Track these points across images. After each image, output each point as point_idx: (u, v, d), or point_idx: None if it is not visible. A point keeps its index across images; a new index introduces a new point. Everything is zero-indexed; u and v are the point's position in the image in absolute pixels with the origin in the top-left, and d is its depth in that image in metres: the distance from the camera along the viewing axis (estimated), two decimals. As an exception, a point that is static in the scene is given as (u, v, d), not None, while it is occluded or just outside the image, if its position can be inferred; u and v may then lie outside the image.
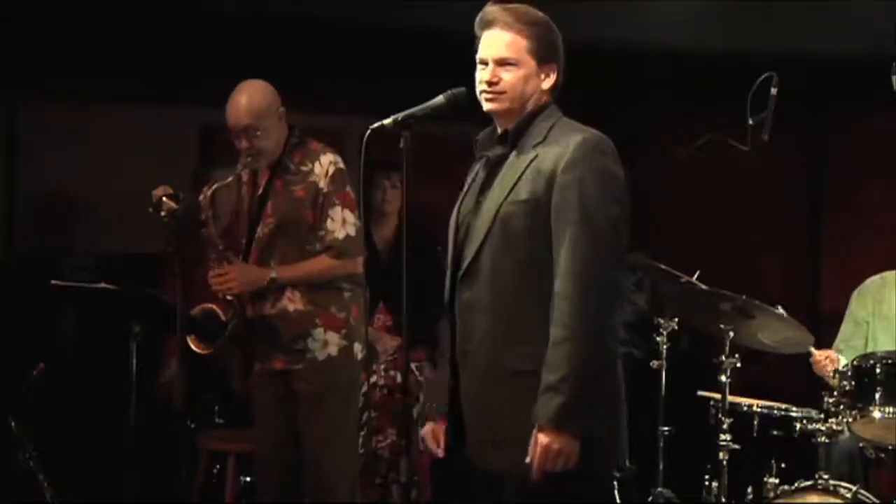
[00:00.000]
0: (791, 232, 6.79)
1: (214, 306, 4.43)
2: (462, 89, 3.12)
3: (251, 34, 5.58)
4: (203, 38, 5.68)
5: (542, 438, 2.89)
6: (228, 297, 4.35)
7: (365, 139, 3.13)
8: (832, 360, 4.83)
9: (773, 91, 4.17)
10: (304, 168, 4.35)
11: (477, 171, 3.20)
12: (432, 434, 3.22)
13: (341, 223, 4.31)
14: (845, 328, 5.16)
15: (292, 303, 4.33)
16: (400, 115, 3.10)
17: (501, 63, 3.06)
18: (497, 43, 3.07)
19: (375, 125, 3.11)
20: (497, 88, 3.07)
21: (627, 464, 5.10)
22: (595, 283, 2.90)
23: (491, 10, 3.09)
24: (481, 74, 3.09)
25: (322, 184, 4.31)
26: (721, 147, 4.25)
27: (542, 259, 2.97)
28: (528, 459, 2.91)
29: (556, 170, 2.98)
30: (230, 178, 4.36)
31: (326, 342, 4.33)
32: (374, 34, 5.65)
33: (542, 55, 3.07)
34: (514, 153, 3.09)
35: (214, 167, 5.55)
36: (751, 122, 4.19)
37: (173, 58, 5.81)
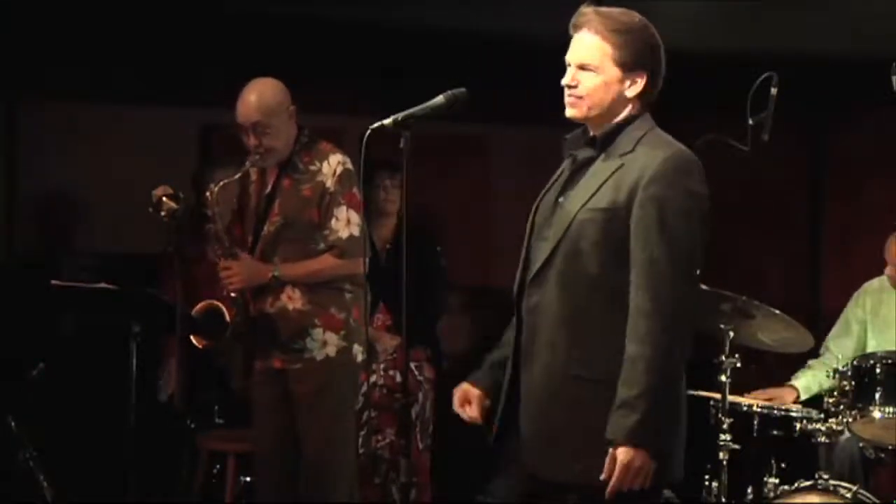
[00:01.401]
0: (791, 232, 6.78)
1: (218, 303, 4.43)
2: (462, 89, 3.12)
3: (251, 34, 5.58)
4: (203, 37, 5.68)
5: (621, 455, 2.86)
6: (232, 294, 4.36)
7: (365, 139, 3.13)
8: (782, 397, 4.86)
9: (773, 91, 4.17)
10: (312, 167, 4.35)
11: (563, 169, 3.15)
12: (464, 394, 3.20)
13: (346, 223, 4.31)
14: (836, 327, 5.17)
15: (291, 301, 4.33)
16: (400, 115, 3.09)
17: (582, 67, 3.02)
18: (581, 46, 3.02)
19: (375, 125, 3.10)
20: (575, 92, 3.03)
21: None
22: (673, 302, 2.88)
23: (585, 11, 3.04)
24: (564, 78, 3.06)
25: (329, 183, 4.32)
26: (721, 147, 4.24)
27: (614, 270, 2.94)
28: (603, 476, 2.88)
29: (639, 184, 2.94)
30: (237, 175, 4.37)
31: (325, 342, 4.33)
32: (374, 34, 5.65)
33: (628, 63, 3.00)
34: (600, 158, 3.05)
35: (214, 167, 5.56)
36: (751, 122, 4.18)
37: (173, 58, 5.81)
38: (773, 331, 4.64)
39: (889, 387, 4.46)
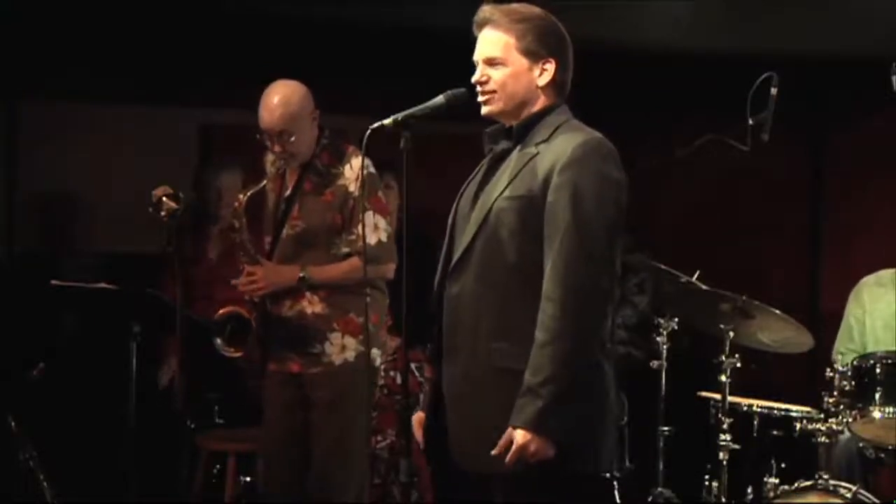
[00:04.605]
0: (791, 232, 6.78)
1: (238, 308, 4.40)
2: (462, 89, 3.12)
3: (251, 34, 5.57)
4: (203, 37, 5.68)
5: (518, 437, 2.87)
6: (255, 300, 4.32)
7: (365, 139, 3.13)
8: None
9: (773, 91, 4.17)
10: (333, 170, 4.31)
11: (481, 164, 3.18)
12: (419, 422, 3.22)
13: (373, 229, 4.26)
14: (841, 332, 5.16)
15: (311, 305, 4.28)
16: (400, 115, 3.09)
17: (490, 63, 3.06)
18: (485, 42, 3.07)
19: (375, 125, 3.10)
20: (486, 88, 3.06)
21: (628, 464, 5.13)
22: (582, 288, 2.88)
23: (484, 9, 3.08)
24: (474, 76, 3.09)
25: (353, 188, 4.27)
26: (721, 147, 4.25)
27: (532, 258, 2.95)
28: (493, 452, 2.89)
29: (554, 170, 2.95)
30: (263, 183, 4.34)
31: (344, 347, 4.28)
32: (373, 34, 5.65)
33: (534, 51, 3.04)
34: (517, 149, 3.07)
35: (214, 167, 5.57)
36: (751, 122, 4.19)
37: (173, 58, 5.81)
38: (773, 331, 4.64)
39: (889, 387, 4.46)
